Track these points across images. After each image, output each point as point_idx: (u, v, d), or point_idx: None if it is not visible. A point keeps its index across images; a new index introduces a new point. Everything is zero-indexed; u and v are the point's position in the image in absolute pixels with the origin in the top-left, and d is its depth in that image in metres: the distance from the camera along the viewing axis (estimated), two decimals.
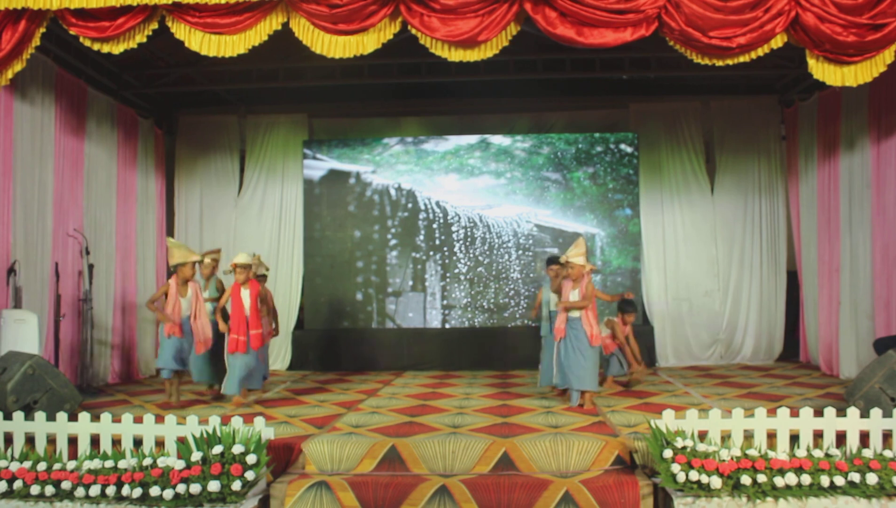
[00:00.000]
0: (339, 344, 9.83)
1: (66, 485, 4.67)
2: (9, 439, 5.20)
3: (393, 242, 10.05)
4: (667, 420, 4.89)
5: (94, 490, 4.61)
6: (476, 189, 10.02)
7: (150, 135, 9.71)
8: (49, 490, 4.66)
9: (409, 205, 10.04)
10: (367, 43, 5.92)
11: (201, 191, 10.30)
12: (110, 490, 4.61)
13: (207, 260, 7.46)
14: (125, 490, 4.60)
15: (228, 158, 10.36)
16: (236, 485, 4.53)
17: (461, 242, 9.99)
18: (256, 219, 10.25)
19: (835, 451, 4.70)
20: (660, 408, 5.57)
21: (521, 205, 9.98)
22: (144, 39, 6.02)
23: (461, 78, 8.98)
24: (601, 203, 9.94)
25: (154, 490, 4.53)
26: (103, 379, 8.34)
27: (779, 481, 4.46)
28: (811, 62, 5.84)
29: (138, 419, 5.09)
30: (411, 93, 10.01)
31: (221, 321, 6.74)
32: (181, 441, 4.91)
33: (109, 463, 4.77)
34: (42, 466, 4.80)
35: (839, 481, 4.50)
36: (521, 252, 9.96)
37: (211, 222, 10.25)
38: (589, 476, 4.87)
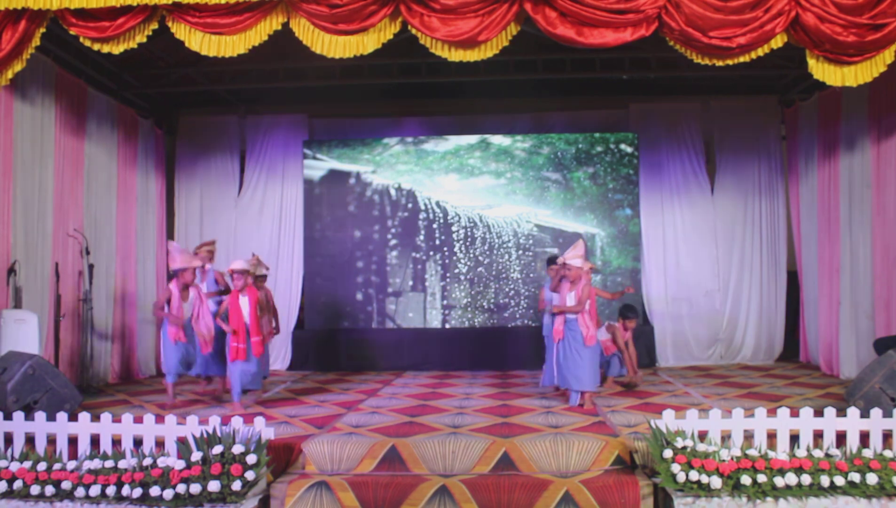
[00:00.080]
0: (339, 344, 9.83)
1: (66, 485, 4.67)
2: (9, 439, 5.20)
3: (393, 242, 10.05)
4: (667, 420, 4.89)
5: (94, 490, 4.61)
6: (476, 189, 10.02)
7: (150, 135, 9.71)
8: (49, 490, 4.66)
9: (409, 205, 10.04)
10: (367, 43, 5.92)
11: (201, 191, 10.30)
12: (110, 490, 4.61)
13: (203, 252, 7.45)
14: (125, 490, 4.60)
15: (228, 158, 10.36)
16: (236, 485, 4.53)
17: (461, 242, 9.99)
18: (256, 219, 10.25)
19: (835, 451, 4.70)
20: (660, 408, 5.56)
21: (521, 205, 9.98)
22: (144, 39, 6.02)
23: (461, 78, 8.98)
24: (601, 203, 9.94)
25: (154, 490, 4.53)
26: (103, 379, 8.34)
27: (779, 481, 4.46)
28: (811, 62, 5.84)
29: (138, 419, 5.09)
30: (411, 93, 10.01)
31: (225, 326, 6.67)
32: (181, 441, 4.91)
33: (109, 463, 4.77)
34: (42, 466, 4.80)
35: (839, 481, 4.50)
36: (521, 252, 9.96)
37: (211, 222, 10.24)
38: (589, 476, 4.87)
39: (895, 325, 7.25)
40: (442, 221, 10.01)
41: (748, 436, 4.96)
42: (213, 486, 4.50)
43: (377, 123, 10.49)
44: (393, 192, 10.06)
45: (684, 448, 4.64)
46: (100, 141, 8.42)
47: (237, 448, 4.68)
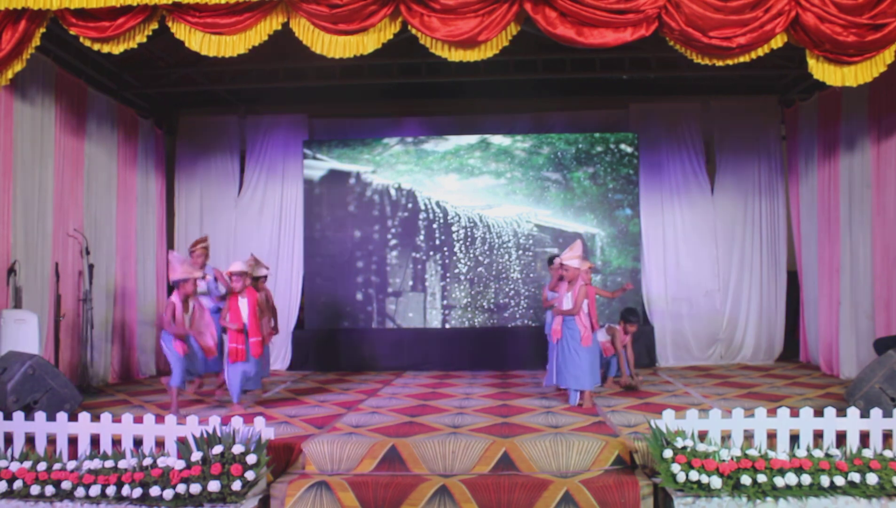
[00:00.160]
0: (339, 344, 9.83)
1: (66, 485, 4.67)
2: (9, 439, 5.20)
3: (393, 242, 10.05)
4: (667, 420, 4.89)
5: (94, 490, 4.61)
6: (476, 189, 10.02)
7: (150, 135, 9.71)
8: (49, 490, 4.66)
9: (409, 205, 10.04)
10: (367, 43, 5.92)
11: (201, 191, 10.30)
12: (110, 490, 4.61)
13: (199, 250, 7.44)
14: (125, 490, 4.60)
15: (228, 158, 10.36)
16: (236, 485, 4.53)
17: (461, 242, 9.99)
18: (256, 219, 10.25)
19: (835, 451, 4.70)
20: (660, 408, 5.57)
21: (521, 205, 9.98)
22: (144, 39, 6.01)
23: (461, 78, 8.98)
24: (601, 203, 9.94)
25: (154, 490, 4.53)
26: (103, 379, 8.34)
27: (779, 481, 4.46)
28: (811, 62, 5.84)
29: (138, 419, 5.09)
30: (411, 93, 10.01)
31: (232, 326, 6.62)
32: (181, 441, 4.91)
33: (109, 463, 4.77)
34: (42, 466, 4.80)
35: (839, 481, 4.50)
36: (521, 252, 9.96)
37: (211, 222, 10.24)
38: (589, 476, 4.87)
39: (895, 325, 7.25)
40: (442, 221, 10.01)
41: (748, 436, 4.96)
42: (213, 486, 4.51)
43: (377, 123, 10.49)
44: (393, 192, 10.06)
45: (684, 447, 4.64)
46: (100, 141, 8.42)
47: (237, 448, 4.68)
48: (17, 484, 4.73)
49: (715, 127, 10.05)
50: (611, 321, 7.83)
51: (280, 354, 9.85)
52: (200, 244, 7.53)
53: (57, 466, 4.82)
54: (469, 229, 9.99)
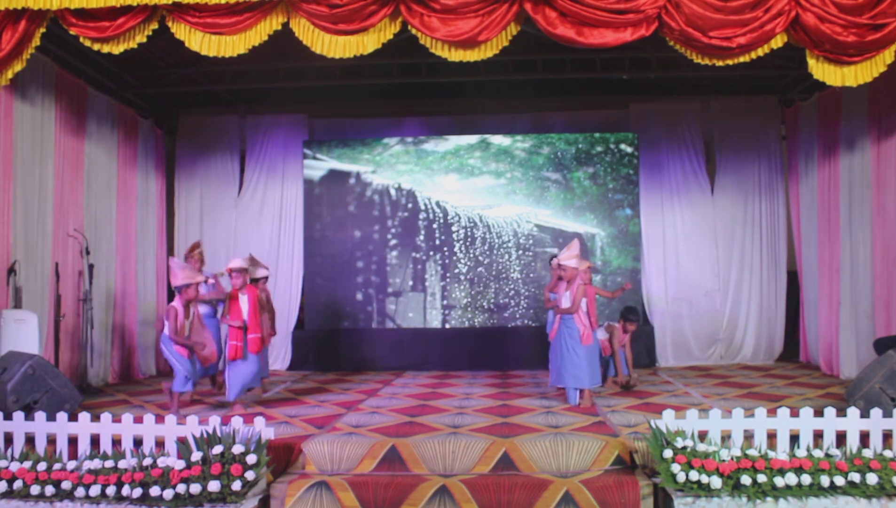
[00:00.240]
0: (339, 344, 9.83)
1: (66, 485, 4.67)
2: (9, 439, 5.20)
3: (393, 242, 10.05)
4: (667, 420, 4.89)
5: (94, 490, 4.61)
6: (476, 189, 10.02)
7: (150, 135, 9.71)
8: (49, 490, 4.66)
9: (409, 205, 10.04)
10: (367, 43, 5.92)
11: (201, 191, 10.30)
12: (110, 490, 4.61)
13: (196, 256, 7.43)
14: (125, 490, 4.60)
15: (228, 158, 10.36)
16: (236, 485, 4.53)
17: (461, 242, 9.99)
18: (256, 219, 10.25)
19: (835, 451, 4.70)
20: (660, 408, 5.57)
21: (521, 205, 9.98)
22: (144, 39, 6.02)
23: (461, 78, 8.98)
24: (601, 203, 9.93)
25: (154, 490, 4.53)
26: (103, 379, 8.34)
27: (779, 481, 4.46)
28: (811, 62, 5.84)
29: (138, 419, 5.10)
30: (411, 93, 10.01)
31: (232, 323, 6.61)
32: (181, 441, 4.91)
33: (109, 463, 4.77)
34: (42, 466, 4.80)
35: (839, 481, 4.50)
36: (521, 252, 9.96)
37: (211, 222, 10.24)
38: (589, 476, 4.87)
39: (895, 325, 7.25)
40: (442, 221, 10.01)
41: (748, 436, 4.96)
42: (213, 486, 4.51)
43: (377, 123, 10.49)
44: (393, 192, 10.06)
45: (684, 447, 4.64)
46: (100, 141, 8.42)
47: (237, 448, 4.68)
48: (17, 484, 4.73)
49: (715, 127, 10.05)
50: (611, 320, 7.82)
51: (280, 354, 9.85)
52: (196, 250, 7.52)
53: (57, 466, 4.82)
54: (469, 229, 9.99)
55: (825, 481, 4.49)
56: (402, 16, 5.84)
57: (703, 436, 4.86)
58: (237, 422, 4.93)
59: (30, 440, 5.22)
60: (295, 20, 5.92)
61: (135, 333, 9.03)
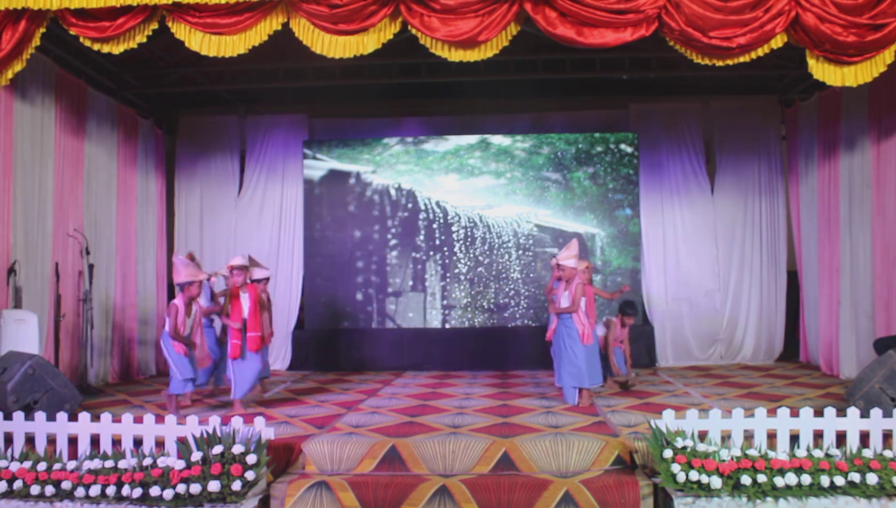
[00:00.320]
0: (339, 344, 9.83)
1: (66, 485, 4.67)
2: (9, 439, 5.20)
3: (393, 242, 10.05)
4: (667, 420, 4.89)
5: (94, 490, 4.61)
6: (476, 189, 10.02)
7: (150, 135, 9.71)
8: (49, 490, 4.66)
9: (409, 205, 10.04)
10: (367, 43, 5.92)
11: (201, 191, 10.30)
12: (110, 490, 4.61)
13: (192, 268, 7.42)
14: (125, 490, 4.60)
15: (228, 158, 10.36)
16: (236, 485, 4.53)
17: (461, 242, 9.99)
18: (256, 219, 10.25)
19: (835, 451, 4.70)
20: (660, 408, 5.56)
21: (521, 205, 9.98)
22: (144, 39, 6.01)
23: (461, 78, 8.98)
24: (601, 203, 9.94)
25: (154, 490, 4.53)
26: (103, 379, 8.34)
27: (779, 481, 4.46)
28: (811, 62, 5.84)
29: (138, 419, 5.09)
30: (411, 93, 10.01)
31: (230, 323, 6.60)
32: (181, 441, 4.91)
33: (109, 463, 4.77)
34: (42, 466, 4.80)
35: (839, 481, 4.50)
36: (521, 252, 9.96)
37: (211, 222, 10.24)
38: (589, 476, 4.87)
39: (895, 325, 7.25)
40: (442, 221, 10.01)
41: (748, 436, 4.96)
42: (213, 486, 4.50)
43: (377, 123, 10.50)
44: (393, 192, 10.06)
45: (684, 447, 4.64)
46: (100, 141, 8.42)
47: (237, 448, 4.68)
48: (17, 484, 4.73)
49: (715, 127, 10.05)
50: (608, 317, 7.81)
51: (280, 354, 9.85)
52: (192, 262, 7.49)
53: (57, 466, 4.82)
54: (469, 229, 9.99)
55: (825, 481, 4.49)
56: (402, 16, 5.84)
57: (703, 436, 4.86)
58: (237, 422, 4.93)
59: (30, 440, 5.22)
60: (295, 20, 5.92)
61: (135, 333, 9.03)
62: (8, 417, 5.28)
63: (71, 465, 4.82)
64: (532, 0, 5.71)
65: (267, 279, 7.50)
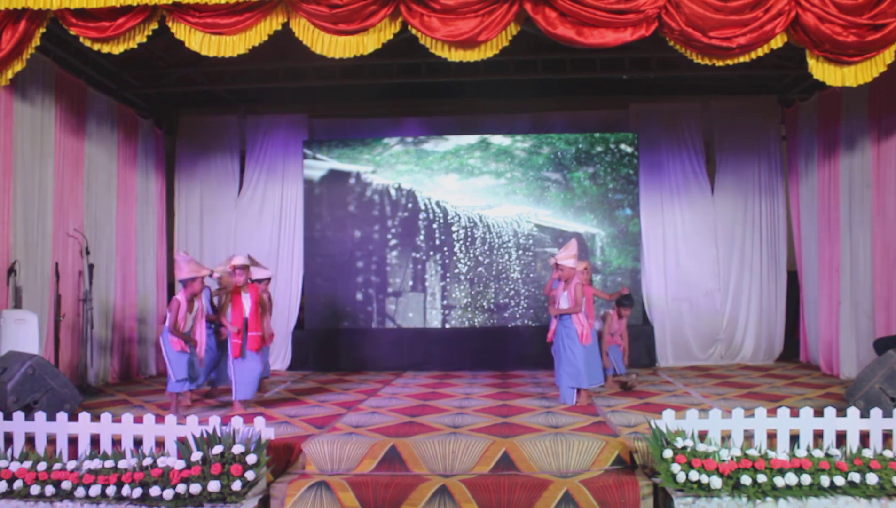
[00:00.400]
0: (339, 344, 9.83)
1: (66, 485, 4.67)
2: (9, 439, 5.20)
3: (393, 242, 10.05)
4: (667, 420, 4.89)
5: (94, 490, 4.61)
6: (476, 189, 10.02)
7: (150, 135, 9.71)
8: (49, 490, 4.66)
9: (409, 205, 10.04)
10: (367, 43, 5.92)
11: (201, 191, 10.30)
12: (110, 490, 4.61)
13: None
14: (125, 490, 4.60)
15: (228, 158, 10.36)
16: (236, 485, 4.53)
17: (461, 242, 9.99)
18: (256, 219, 10.25)
19: (835, 451, 4.69)
20: (660, 408, 5.56)
21: (521, 205, 9.98)
22: (144, 39, 6.02)
23: (461, 78, 8.98)
24: (601, 203, 9.94)
25: (154, 490, 4.53)
26: (103, 379, 8.34)
27: (779, 481, 4.46)
28: (811, 62, 5.84)
29: (138, 419, 5.09)
30: (411, 93, 10.01)
31: (228, 324, 6.60)
32: (181, 441, 4.91)
33: (109, 463, 4.77)
34: (42, 466, 4.80)
35: (839, 481, 4.50)
36: (521, 252, 9.96)
37: (211, 222, 10.24)
38: (589, 476, 4.87)
39: (895, 325, 7.25)
40: (442, 221, 10.01)
41: (748, 436, 4.96)
42: (213, 486, 4.50)
43: (377, 123, 10.50)
44: (393, 192, 10.06)
45: (684, 447, 4.64)
46: (100, 141, 8.42)
47: (237, 448, 4.68)
48: (17, 484, 4.73)
49: (715, 127, 10.05)
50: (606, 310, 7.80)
51: (280, 354, 9.85)
52: None
53: (57, 466, 4.82)
54: (469, 229, 9.99)
55: (825, 481, 4.49)
56: (402, 16, 5.84)
57: (703, 436, 4.86)
58: (237, 422, 4.93)
59: (30, 440, 5.22)
60: (295, 20, 5.92)
61: (135, 333, 9.03)
62: (8, 417, 5.28)
63: (71, 465, 4.82)
64: (532, 0, 5.71)
65: (268, 280, 7.50)
